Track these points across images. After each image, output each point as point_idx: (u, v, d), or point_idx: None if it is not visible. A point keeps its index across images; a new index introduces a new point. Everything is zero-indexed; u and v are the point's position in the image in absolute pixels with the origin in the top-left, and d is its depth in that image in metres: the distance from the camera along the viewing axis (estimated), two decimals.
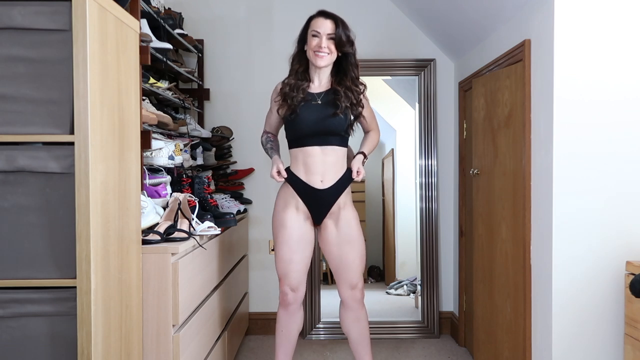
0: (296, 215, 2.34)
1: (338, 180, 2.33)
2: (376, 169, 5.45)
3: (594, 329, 2.02)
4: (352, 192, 2.45)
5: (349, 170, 2.37)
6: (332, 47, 2.26)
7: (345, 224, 2.34)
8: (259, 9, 3.47)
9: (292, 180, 2.34)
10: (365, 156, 2.41)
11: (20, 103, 1.39)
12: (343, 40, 2.25)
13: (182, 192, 2.46)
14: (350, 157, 2.44)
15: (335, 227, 2.35)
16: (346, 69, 2.33)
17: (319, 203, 2.33)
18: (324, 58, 2.26)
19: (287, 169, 2.36)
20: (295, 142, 2.33)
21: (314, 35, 2.25)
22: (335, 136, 2.29)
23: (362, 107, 2.36)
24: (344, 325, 2.46)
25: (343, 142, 2.34)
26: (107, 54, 1.50)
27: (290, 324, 2.43)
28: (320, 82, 2.35)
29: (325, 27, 2.24)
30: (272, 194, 3.49)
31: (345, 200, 2.36)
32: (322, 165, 2.29)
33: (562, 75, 2.01)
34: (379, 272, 5.23)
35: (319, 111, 2.28)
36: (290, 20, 3.41)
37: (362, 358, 2.44)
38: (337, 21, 2.25)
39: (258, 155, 3.47)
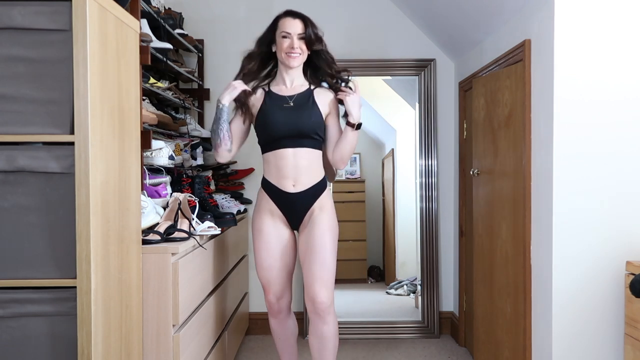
0: (272, 220, 2.28)
1: (314, 185, 2.26)
2: (376, 169, 5.46)
3: (594, 329, 2.02)
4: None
5: (324, 178, 2.32)
6: (304, 47, 2.22)
7: (314, 230, 2.23)
8: (259, 9, 3.47)
9: (265, 185, 2.30)
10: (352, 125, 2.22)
11: (20, 103, 1.39)
12: (312, 39, 2.22)
13: (182, 192, 2.46)
14: (326, 165, 2.37)
15: (304, 234, 2.27)
16: (321, 66, 2.29)
17: (292, 208, 2.26)
18: (297, 58, 2.22)
19: (263, 179, 2.31)
20: (268, 145, 2.27)
21: (284, 37, 2.21)
22: (308, 138, 2.23)
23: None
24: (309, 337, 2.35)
25: (317, 145, 2.27)
26: (107, 54, 1.50)
27: (285, 331, 2.41)
28: (291, 84, 2.29)
29: (295, 27, 2.21)
30: None
31: (321, 204, 2.27)
32: (294, 168, 2.22)
33: (562, 75, 2.01)
34: (379, 272, 5.23)
35: (290, 113, 2.22)
36: None
37: None
38: (306, 21, 2.23)
39: (258, 155, 3.46)
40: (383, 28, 3.50)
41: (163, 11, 2.72)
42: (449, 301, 3.53)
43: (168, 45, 2.51)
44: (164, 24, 2.61)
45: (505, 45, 2.49)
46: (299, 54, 2.23)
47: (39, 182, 1.40)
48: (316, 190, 2.27)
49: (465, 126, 3.23)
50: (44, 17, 1.37)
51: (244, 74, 2.28)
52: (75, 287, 1.41)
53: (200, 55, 3.39)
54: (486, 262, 2.65)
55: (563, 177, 2.02)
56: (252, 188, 3.49)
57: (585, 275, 2.02)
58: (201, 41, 3.39)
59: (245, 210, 3.33)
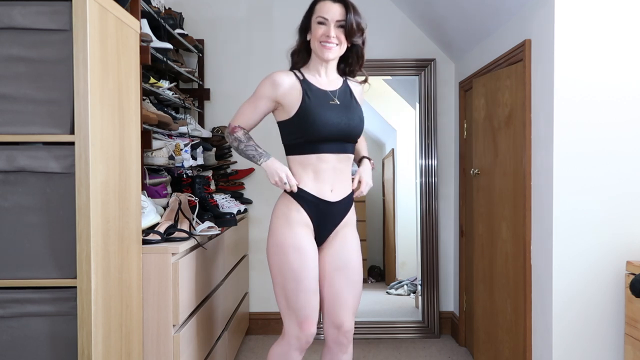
0: (308, 234, 1.92)
1: (349, 195, 1.98)
2: (376, 169, 5.46)
3: (594, 329, 2.02)
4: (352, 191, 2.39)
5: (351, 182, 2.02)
6: (342, 37, 1.89)
7: (345, 247, 1.96)
8: (259, 9, 3.47)
9: (298, 195, 1.92)
10: (370, 161, 2.08)
11: (20, 103, 1.39)
12: (354, 29, 1.89)
13: (182, 192, 2.46)
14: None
15: (331, 250, 1.96)
16: (349, 61, 2.01)
17: (327, 219, 1.94)
18: (333, 50, 1.89)
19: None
20: (306, 147, 1.90)
21: (320, 23, 1.88)
22: (352, 143, 1.96)
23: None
24: None
25: (354, 150, 2.02)
26: (107, 54, 1.50)
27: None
28: (328, 79, 1.97)
29: (334, 12, 1.88)
30: (273, 194, 3.49)
31: (350, 218, 2.00)
32: (333, 173, 1.91)
33: (562, 75, 2.01)
34: (379, 272, 5.23)
35: (340, 113, 1.90)
36: (290, 20, 3.41)
37: None
38: (348, 5, 1.90)
39: None
40: (383, 28, 3.49)
41: (163, 11, 2.72)
42: (449, 301, 3.53)
43: (168, 45, 2.51)
44: (164, 24, 2.61)
45: (505, 45, 2.49)
46: (336, 45, 1.90)
47: (39, 182, 1.40)
48: (349, 201, 1.99)
49: (465, 126, 3.23)
50: (44, 17, 1.38)
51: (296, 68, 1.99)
52: (75, 287, 1.41)
53: (200, 55, 3.39)
54: (486, 262, 2.66)
55: (563, 177, 2.02)
56: (252, 188, 3.50)
57: (585, 275, 2.02)
58: (201, 41, 3.39)
59: (246, 210, 3.33)
